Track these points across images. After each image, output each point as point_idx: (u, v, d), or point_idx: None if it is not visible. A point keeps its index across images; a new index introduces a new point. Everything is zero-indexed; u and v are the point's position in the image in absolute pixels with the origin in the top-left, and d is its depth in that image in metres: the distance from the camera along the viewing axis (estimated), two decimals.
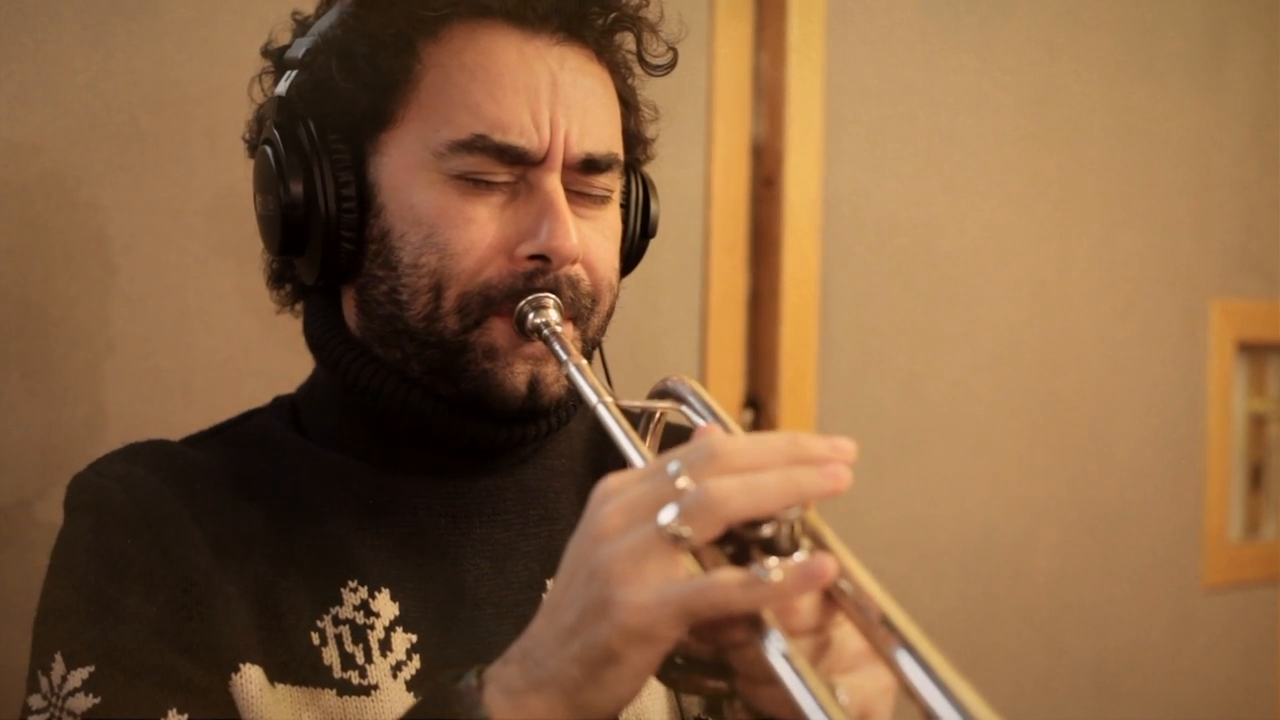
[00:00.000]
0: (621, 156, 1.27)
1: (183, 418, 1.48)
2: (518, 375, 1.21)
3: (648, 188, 1.38)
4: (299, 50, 1.25)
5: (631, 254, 1.38)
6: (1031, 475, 2.72)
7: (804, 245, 2.36)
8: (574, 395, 1.20)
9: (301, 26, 1.31)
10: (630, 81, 1.31)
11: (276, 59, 1.32)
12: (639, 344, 2.20)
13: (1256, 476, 3.21)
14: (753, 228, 2.35)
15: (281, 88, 1.26)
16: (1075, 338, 2.78)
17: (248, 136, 1.36)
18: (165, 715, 1.09)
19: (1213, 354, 3.02)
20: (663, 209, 1.40)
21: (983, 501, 2.64)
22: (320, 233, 1.22)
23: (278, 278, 1.36)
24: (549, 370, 1.21)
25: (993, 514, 2.65)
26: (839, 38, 2.40)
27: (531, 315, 1.18)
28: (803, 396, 2.36)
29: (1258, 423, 3.21)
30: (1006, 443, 2.68)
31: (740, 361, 2.34)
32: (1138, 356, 2.90)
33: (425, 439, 1.26)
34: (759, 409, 2.35)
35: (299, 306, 1.37)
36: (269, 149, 1.24)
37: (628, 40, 1.29)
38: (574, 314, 1.22)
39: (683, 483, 0.85)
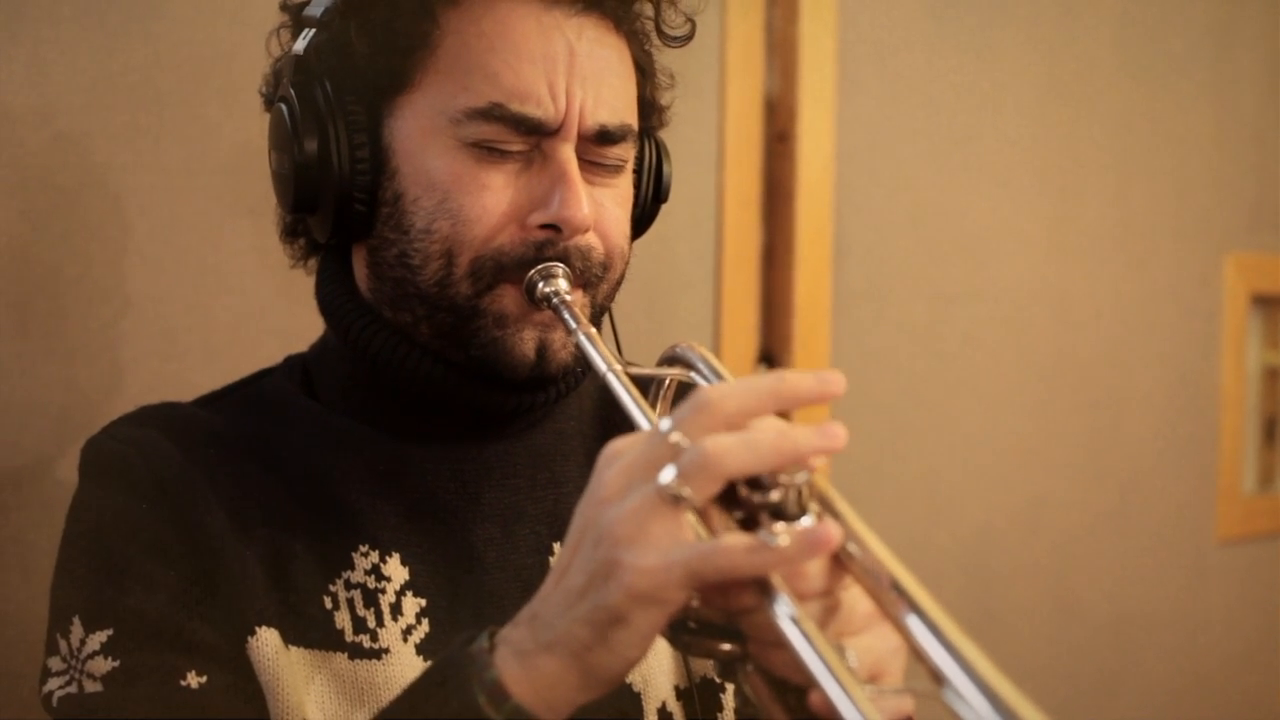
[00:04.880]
0: (636, 127, 1.27)
1: (199, 376, 1.49)
2: (526, 342, 1.21)
3: (660, 152, 1.38)
4: (317, 9, 1.25)
5: (643, 218, 1.38)
6: (1045, 428, 2.73)
7: (817, 199, 2.36)
8: (582, 361, 1.21)
9: None
10: (647, 48, 1.31)
11: (295, 14, 1.31)
12: (654, 299, 2.20)
13: (1270, 429, 3.21)
14: (766, 182, 2.35)
15: (299, 46, 1.25)
16: (1089, 291, 2.78)
17: (264, 90, 1.36)
18: (184, 678, 1.11)
19: (1227, 307, 3.01)
20: (676, 165, 1.40)
21: (996, 455, 2.64)
22: (333, 192, 1.22)
23: (290, 232, 1.37)
24: (556, 336, 1.22)
25: (1006, 467, 2.66)
26: None
27: (541, 284, 1.19)
28: (816, 350, 2.37)
29: (1272, 375, 3.21)
30: (1020, 396, 2.69)
31: (754, 316, 2.35)
32: (1152, 310, 2.89)
33: (435, 405, 1.27)
34: (773, 363, 2.36)
35: (311, 263, 1.38)
36: (284, 107, 1.24)
37: (646, 8, 1.29)
38: (584, 282, 1.23)
39: (677, 438, 0.86)
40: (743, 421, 0.88)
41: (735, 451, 0.85)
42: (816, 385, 0.89)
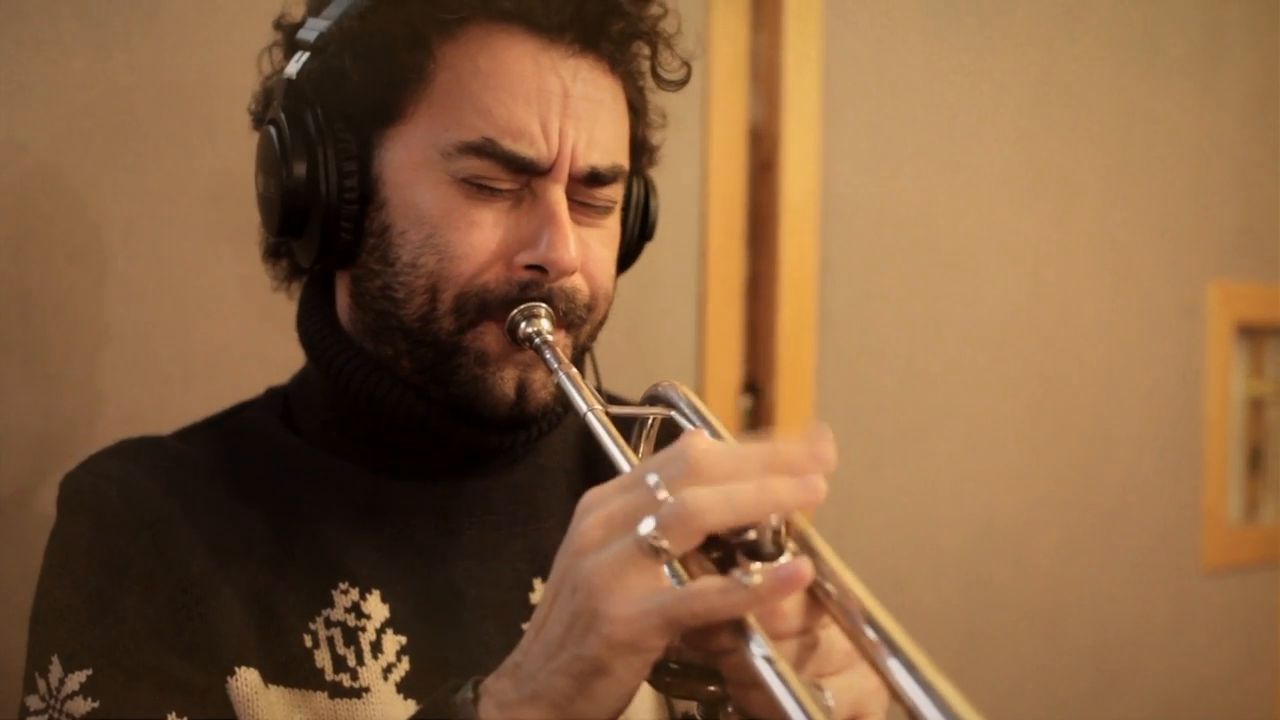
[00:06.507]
0: (627, 168, 1.27)
1: (180, 405, 1.49)
2: (506, 381, 1.21)
3: (649, 190, 1.38)
4: (311, 33, 1.23)
5: (628, 254, 1.38)
6: (1030, 458, 2.73)
7: (802, 228, 2.36)
8: (562, 401, 1.21)
9: (316, 3, 1.29)
10: (640, 84, 1.30)
11: (288, 35, 1.30)
12: (637, 328, 2.20)
13: (1255, 459, 3.21)
14: (750, 211, 2.35)
15: (292, 69, 1.24)
16: (1073, 321, 2.78)
17: (253, 108, 1.36)
18: (164, 718, 1.10)
19: (1211, 336, 3.02)
20: (660, 193, 1.40)
21: (982, 484, 2.64)
22: (320, 219, 1.22)
23: (273, 252, 1.37)
24: (537, 376, 1.22)
25: (992, 496, 2.66)
26: (836, 19, 2.39)
27: (523, 324, 1.19)
28: (801, 380, 2.37)
29: (1256, 405, 3.22)
30: (1005, 425, 2.69)
31: (738, 345, 2.35)
32: (1136, 338, 2.90)
33: (415, 441, 1.27)
34: (757, 393, 2.36)
35: (293, 286, 1.38)
36: (274, 130, 1.23)
37: (643, 49, 1.28)
38: (567, 323, 1.22)
39: (662, 494, 0.86)
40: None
41: (715, 508, 0.85)
42: (808, 459, 0.89)
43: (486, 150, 1.17)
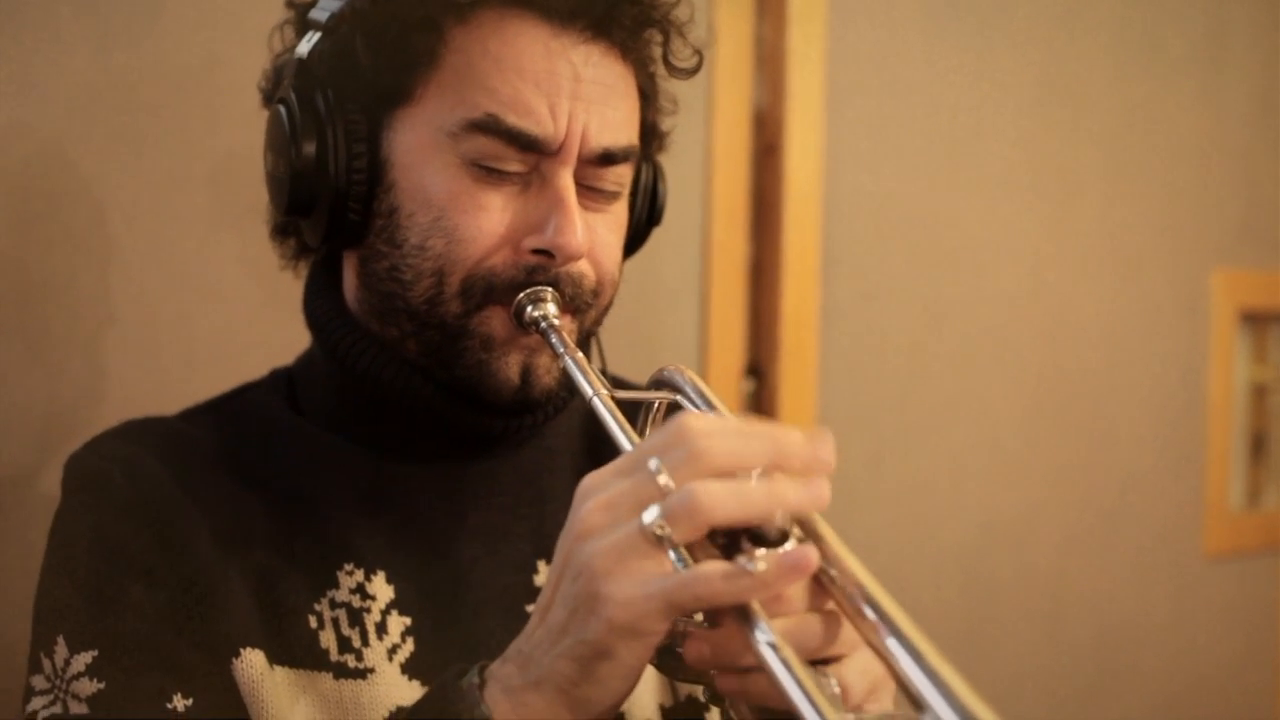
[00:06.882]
0: (638, 148, 1.27)
1: (183, 388, 1.48)
2: (511, 365, 1.21)
3: (656, 174, 1.38)
4: (323, 13, 1.23)
5: (635, 239, 1.38)
6: (1032, 444, 2.72)
7: (805, 213, 2.36)
8: (566, 386, 1.21)
9: None
10: (651, 70, 1.30)
11: (300, 14, 1.30)
12: (640, 312, 2.20)
13: (1258, 446, 3.21)
14: (754, 195, 2.35)
15: (303, 48, 1.24)
16: (1076, 307, 2.78)
17: (263, 85, 1.36)
18: (170, 700, 1.10)
19: (1214, 323, 3.01)
20: (664, 177, 1.40)
21: (983, 470, 2.64)
22: (328, 200, 1.21)
23: (281, 230, 1.37)
24: (541, 361, 1.22)
25: (994, 483, 2.65)
26: (840, 4, 2.39)
27: (530, 308, 1.19)
28: (804, 364, 2.36)
29: (1259, 392, 3.21)
30: (1007, 412, 2.68)
31: (741, 329, 2.34)
32: (1139, 325, 2.89)
33: (422, 424, 1.27)
34: (760, 377, 2.36)
35: (300, 266, 1.38)
36: (284, 109, 1.23)
37: (655, 36, 1.28)
38: (573, 308, 1.22)
39: (663, 480, 0.86)
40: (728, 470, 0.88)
41: (726, 504, 0.85)
42: (809, 450, 0.90)
43: (490, 127, 1.17)
